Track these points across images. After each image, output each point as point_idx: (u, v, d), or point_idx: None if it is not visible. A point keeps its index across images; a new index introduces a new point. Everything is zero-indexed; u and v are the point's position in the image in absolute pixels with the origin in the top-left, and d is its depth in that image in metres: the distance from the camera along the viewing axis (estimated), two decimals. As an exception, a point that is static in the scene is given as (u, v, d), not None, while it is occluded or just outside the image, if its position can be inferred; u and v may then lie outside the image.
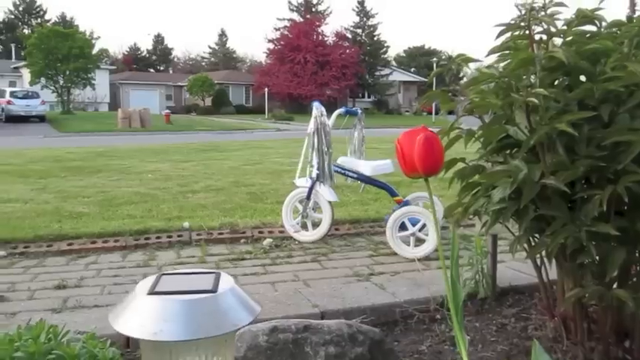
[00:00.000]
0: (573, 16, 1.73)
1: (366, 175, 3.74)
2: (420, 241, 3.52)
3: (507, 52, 1.73)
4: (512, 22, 1.67)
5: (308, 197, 3.82)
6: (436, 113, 32.38)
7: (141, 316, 0.79)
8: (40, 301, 2.76)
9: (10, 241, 3.83)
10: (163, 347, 0.79)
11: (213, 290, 0.83)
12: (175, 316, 0.77)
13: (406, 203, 3.67)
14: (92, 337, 1.30)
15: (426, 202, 3.86)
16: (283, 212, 3.93)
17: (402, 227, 3.53)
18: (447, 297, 2.33)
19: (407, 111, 47.04)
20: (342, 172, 3.80)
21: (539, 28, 1.69)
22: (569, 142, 1.55)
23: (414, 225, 3.52)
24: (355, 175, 3.78)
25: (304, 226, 3.90)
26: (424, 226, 3.49)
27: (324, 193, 3.74)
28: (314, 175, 3.68)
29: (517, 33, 1.66)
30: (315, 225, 3.90)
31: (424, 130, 1.26)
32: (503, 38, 1.74)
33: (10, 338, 1.26)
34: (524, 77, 1.61)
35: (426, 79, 52.59)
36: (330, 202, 3.77)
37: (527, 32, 1.63)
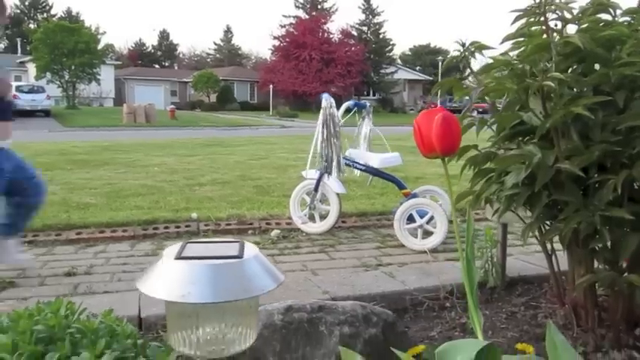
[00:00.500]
0: (588, 4, 1.74)
1: (375, 168, 3.74)
2: (427, 234, 3.53)
3: (522, 39, 1.73)
4: (528, 8, 1.67)
5: (316, 189, 3.82)
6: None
7: (169, 279, 0.80)
8: (50, 287, 2.78)
9: (19, 230, 3.84)
10: (190, 312, 0.80)
11: (239, 256, 0.84)
12: (203, 279, 0.79)
13: (414, 196, 3.68)
14: (109, 313, 1.31)
15: (434, 195, 3.87)
16: (291, 204, 3.94)
17: (410, 219, 3.54)
18: (456, 286, 2.35)
19: (411, 109, 46.99)
20: (351, 163, 3.81)
21: (553, 16, 1.70)
22: (583, 129, 1.56)
23: (421, 217, 3.52)
24: (363, 167, 3.79)
25: (312, 218, 3.91)
26: (432, 218, 3.50)
27: (332, 185, 3.75)
28: (322, 166, 3.69)
29: (532, 20, 1.66)
30: (323, 217, 3.91)
31: (442, 110, 1.27)
32: (517, 25, 1.74)
33: (29, 312, 1.28)
34: (540, 63, 1.61)
35: (431, 78, 52.56)
36: (337, 195, 3.78)
37: (542, 19, 1.63)
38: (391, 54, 48.40)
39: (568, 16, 1.67)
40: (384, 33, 46.69)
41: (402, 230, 3.50)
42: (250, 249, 0.88)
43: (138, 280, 0.86)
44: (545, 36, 1.66)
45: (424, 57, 65.22)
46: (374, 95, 46.07)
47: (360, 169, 3.82)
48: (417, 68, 58.71)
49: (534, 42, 1.59)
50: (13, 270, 3.02)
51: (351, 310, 1.52)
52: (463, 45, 1.93)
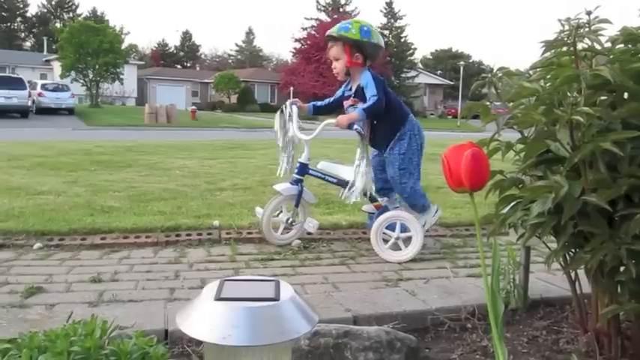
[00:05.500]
0: (617, 34, 1.74)
1: (347, 181, 3.70)
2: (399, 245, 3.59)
3: (551, 67, 1.74)
4: (558, 37, 1.68)
5: (297, 205, 3.80)
6: (462, 118, 32.35)
7: (210, 320, 0.83)
8: (76, 294, 2.84)
9: (46, 233, 3.93)
10: (229, 352, 0.83)
11: (276, 298, 0.87)
12: (242, 323, 0.82)
13: (385, 208, 3.74)
14: (142, 334, 1.35)
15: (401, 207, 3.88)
16: (265, 221, 3.79)
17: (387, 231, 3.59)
18: (477, 306, 2.35)
19: (432, 114, 46.83)
20: (322, 176, 3.81)
21: (582, 45, 1.70)
22: (611, 160, 1.57)
23: (393, 230, 3.58)
24: (335, 180, 3.77)
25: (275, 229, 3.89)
26: (406, 229, 3.56)
27: (309, 198, 3.84)
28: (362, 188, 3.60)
29: (562, 50, 1.67)
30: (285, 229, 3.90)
31: (471, 145, 1.29)
32: (546, 52, 1.76)
33: (65, 332, 1.32)
34: (569, 95, 1.62)
35: (452, 82, 52.38)
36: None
37: (571, 49, 1.64)
38: (412, 58, 48.42)
39: (597, 46, 1.67)
40: (405, 37, 46.76)
41: (379, 243, 3.54)
42: (286, 290, 0.91)
43: (178, 316, 0.90)
44: (574, 66, 1.67)
45: (445, 61, 65.05)
46: (394, 99, 45.90)
47: (333, 183, 3.80)
48: (438, 73, 58.56)
49: (564, 73, 1.60)
50: (41, 275, 3.10)
51: (376, 336, 1.54)
52: (490, 70, 1.95)
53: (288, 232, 3.90)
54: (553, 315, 2.40)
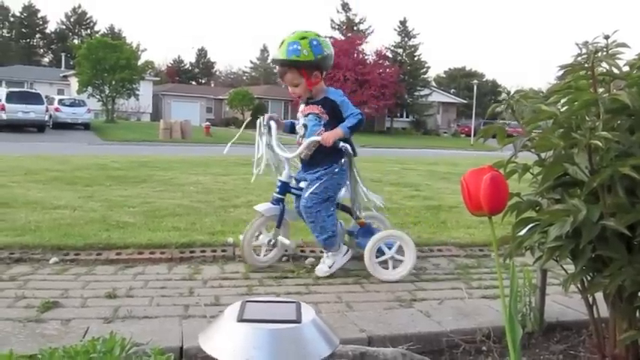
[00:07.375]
0: (636, 57, 1.75)
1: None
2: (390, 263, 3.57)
3: (569, 90, 1.75)
4: (575, 61, 1.69)
5: (279, 225, 3.72)
6: (481, 137, 32.24)
7: (233, 342, 0.84)
8: (92, 309, 2.86)
9: (61, 248, 3.96)
10: (250, 372, 0.84)
11: (298, 321, 0.88)
12: (264, 345, 0.83)
13: (369, 226, 3.74)
14: (160, 352, 1.36)
15: (376, 221, 3.91)
16: (246, 244, 3.66)
17: (379, 251, 3.57)
18: (492, 329, 2.34)
19: (445, 132, 46.74)
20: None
21: (600, 69, 1.71)
22: (630, 185, 1.56)
23: (389, 248, 3.57)
24: None
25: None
26: (399, 247, 3.56)
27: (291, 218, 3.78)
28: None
29: (580, 74, 1.68)
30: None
31: (490, 169, 1.30)
32: (564, 76, 1.76)
33: (85, 349, 1.34)
34: (587, 119, 1.63)
35: (465, 101, 52.38)
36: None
37: (589, 73, 1.65)
38: (426, 76, 48.47)
39: (615, 70, 1.68)
40: (419, 55, 46.86)
41: (373, 263, 3.52)
42: (307, 312, 0.92)
43: (201, 335, 0.91)
44: (592, 89, 1.67)
45: (459, 80, 65.17)
46: (407, 117, 46.08)
47: None
48: (452, 91, 58.62)
49: (582, 97, 1.60)
50: (57, 290, 3.12)
51: (392, 358, 1.54)
52: (508, 93, 1.96)
53: (269, 253, 3.82)
54: (570, 339, 2.38)
